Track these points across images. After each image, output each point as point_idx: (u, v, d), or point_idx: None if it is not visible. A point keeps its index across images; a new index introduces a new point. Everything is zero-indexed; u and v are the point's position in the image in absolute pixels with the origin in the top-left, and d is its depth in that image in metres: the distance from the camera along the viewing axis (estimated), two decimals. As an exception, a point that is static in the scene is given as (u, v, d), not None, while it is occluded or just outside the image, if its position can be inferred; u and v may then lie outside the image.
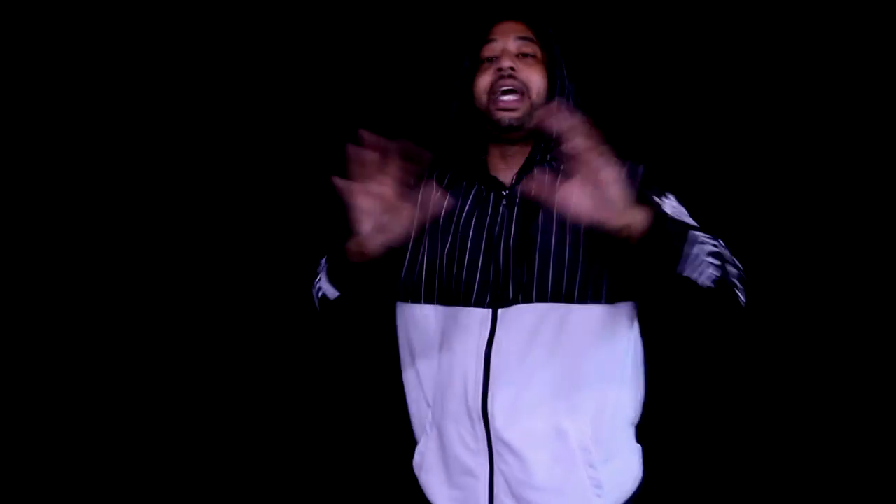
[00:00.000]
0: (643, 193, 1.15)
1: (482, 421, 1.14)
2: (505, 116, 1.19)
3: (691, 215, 1.20)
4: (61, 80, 1.90)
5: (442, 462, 1.19)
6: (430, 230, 1.21)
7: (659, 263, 1.02)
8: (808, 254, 1.83)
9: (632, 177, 1.17)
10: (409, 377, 1.27)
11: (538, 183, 1.18)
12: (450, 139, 1.28)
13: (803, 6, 1.81)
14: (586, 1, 1.83)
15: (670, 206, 1.18)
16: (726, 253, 1.09)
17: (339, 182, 1.02)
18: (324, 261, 1.21)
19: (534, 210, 1.18)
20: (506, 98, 1.18)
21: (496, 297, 1.15)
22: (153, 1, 1.90)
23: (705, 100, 1.85)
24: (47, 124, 1.91)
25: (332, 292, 1.16)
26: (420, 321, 1.21)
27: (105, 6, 1.89)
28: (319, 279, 1.20)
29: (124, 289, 1.95)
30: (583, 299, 1.14)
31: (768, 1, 1.83)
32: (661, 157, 1.29)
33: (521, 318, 1.14)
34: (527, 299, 1.14)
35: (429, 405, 1.22)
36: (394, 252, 1.08)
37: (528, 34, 1.24)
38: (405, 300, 1.23)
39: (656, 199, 1.16)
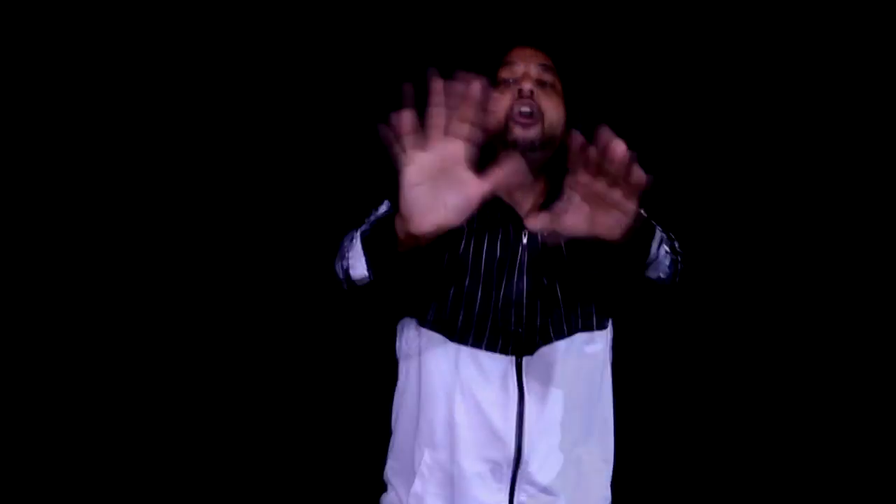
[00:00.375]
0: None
1: (512, 466, 1.15)
2: (521, 134, 1.17)
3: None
4: (61, 80, 1.89)
5: (448, 501, 1.19)
6: (453, 258, 1.19)
7: (630, 264, 1.07)
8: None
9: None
10: (408, 416, 1.24)
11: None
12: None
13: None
14: (603, 36, 1.83)
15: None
16: (672, 244, 1.15)
17: (391, 133, 0.88)
18: (356, 236, 1.10)
19: (555, 251, 1.18)
20: (523, 118, 1.18)
21: (520, 345, 1.16)
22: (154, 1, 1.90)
23: (720, 126, 1.87)
24: (47, 124, 1.90)
25: (362, 273, 1.08)
26: (434, 356, 1.19)
27: (105, 6, 1.89)
28: (348, 255, 1.09)
29: (124, 288, 1.95)
30: (600, 326, 1.21)
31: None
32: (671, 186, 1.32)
33: (547, 359, 1.16)
34: (556, 336, 1.17)
35: (434, 447, 1.19)
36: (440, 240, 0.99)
37: (548, 63, 1.23)
38: (421, 324, 1.20)
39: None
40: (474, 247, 1.19)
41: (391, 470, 1.28)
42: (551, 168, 1.23)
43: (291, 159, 1.94)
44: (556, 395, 1.15)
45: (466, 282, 1.17)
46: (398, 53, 1.86)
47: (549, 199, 1.19)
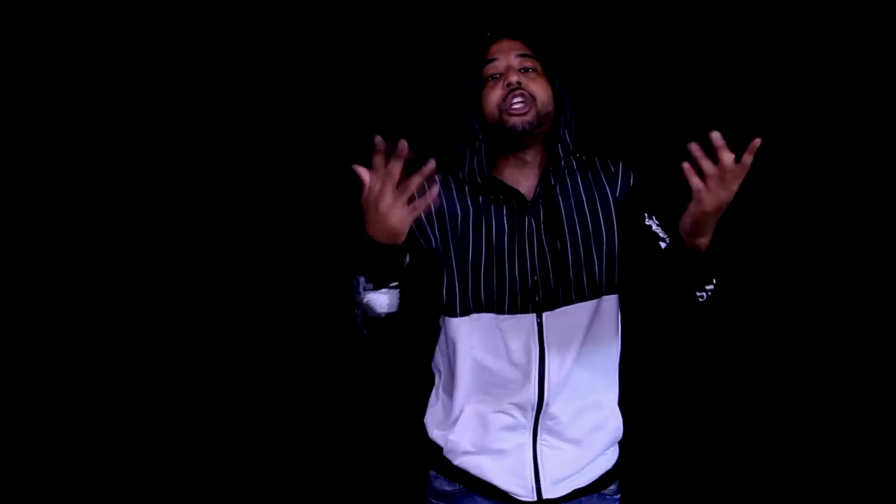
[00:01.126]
0: (636, 207, 1.31)
1: (535, 409, 1.28)
2: (518, 121, 1.26)
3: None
4: (61, 80, 1.89)
5: (479, 446, 1.31)
6: (455, 242, 1.30)
7: (691, 282, 1.18)
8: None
9: (625, 182, 1.34)
10: (447, 377, 1.36)
11: (558, 192, 1.31)
12: (459, 159, 1.34)
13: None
14: (574, 16, 1.89)
15: (655, 227, 1.31)
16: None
17: (358, 168, 1.07)
18: (360, 281, 1.19)
19: (558, 219, 1.30)
20: (516, 106, 1.26)
21: (538, 304, 1.28)
22: (155, 1, 1.90)
23: (695, 105, 1.88)
24: (47, 124, 1.90)
25: (380, 302, 1.17)
26: (460, 331, 1.30)
27: (105, 6, 1.89)
28: (360, 296, 1.19)
29: (129, 291, 1.95)
30: (609, 291, 1.30)
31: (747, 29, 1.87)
32: (650, 161, 1.37)
33: (565, 318, 1.28)
34: (567, 301, 1.28)
35: (469, 401, 1.32)
36: (422, 251, 1.23)
37: (527, 50, 1.32)
38: (448, 315, 1.31)
39: (647, 222, 1.31)
40: (484, 225, 1.30)
41: (431, 421, 1.40)
42: (547, 141, 1.32)
43: (287, 160, 1.94)
44: (575, 348, 1.28)
45: (482, 259, 1.29)
46: (380, 55, 1.91)
47: (546, 176, 1.30)
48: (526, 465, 1.29)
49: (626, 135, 1.85)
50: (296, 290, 1.96)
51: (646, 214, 1.31)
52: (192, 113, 1.92)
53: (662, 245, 1.26)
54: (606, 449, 1.35)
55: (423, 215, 1.28)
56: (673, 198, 1.29)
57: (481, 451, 1.31)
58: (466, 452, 1.32)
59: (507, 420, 1.29)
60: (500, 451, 1.30)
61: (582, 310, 1.28)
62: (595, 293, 1.29)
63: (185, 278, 1.95)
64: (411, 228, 1.23)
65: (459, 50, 1.38)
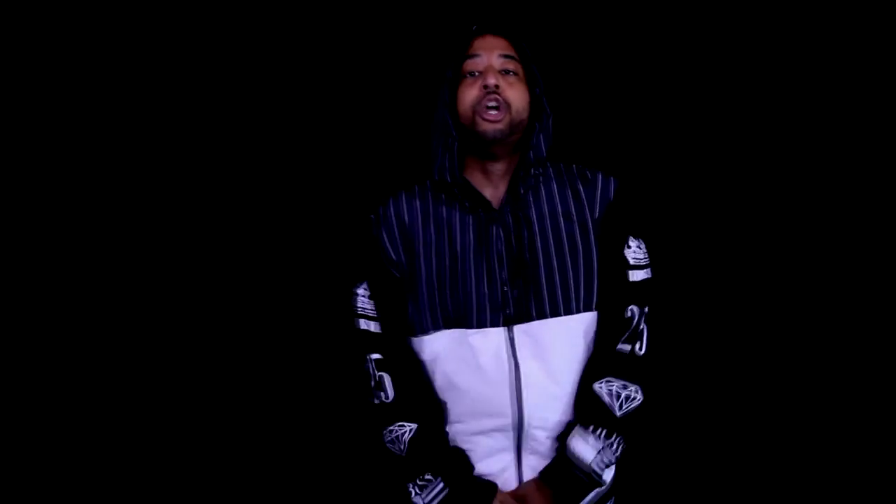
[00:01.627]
0: (617, 225, 1.25)
1: (516, 430, 1.20)
2: (490, 128, 1.22)
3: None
4: (61, 80, 1.90)
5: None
6: (420, 258, 1.25)
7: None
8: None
9: (604, 194, 1.26)
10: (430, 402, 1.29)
11: (527, 201, 1.25)
12: (432, 154, 1.30)
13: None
14: (564, 19, 1.85)
15: (633, 256, 1.25)
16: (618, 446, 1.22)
17: None
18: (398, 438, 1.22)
19: (529, 228, 1.23)
20: (490, 112, 1.22)
21: (509, 318, 1.21)
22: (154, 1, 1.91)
23: (683, 111, 1.86)
24: (48, 124, 1.91)
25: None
26: (429, 350, 1.24)
27: (105, 6, 1.89)
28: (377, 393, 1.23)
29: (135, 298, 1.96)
30: (587, 307, 1.23)
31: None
32: (634, 169, 1.34)
33: (540, 333, 1.20)
34: (541, 315, 1.21)
35: (448, 424, 1.25)
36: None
37: (511, 52, 1.27)
38: (416, 334, 1.25)
39: (624, 252, 1.25)
40: (447, 237, 1.24)
41: None
42: (515, 149, 1.28)
43: (280, 161, 1.94)
44: (553, 365, 1.20)
45: (446, 271, 1.23)
46: (363, 47, 1.86)
47: (514, 184, 1.25)
48: (511, 488, 1.21)
49: (613, 142, 1.80)
50: (302, 305, 1.95)
51: (629, 237, 1.26)
52: (177, 115, 1.93)
53: (633, 274, 1.22)
54: None
55: (388, 246, 1.26)
56: (658, 210, 1.28)
57: None
58: None
59: (488, 442, 1.21)
60: (485, 475, 1.22)
61: (557, 325, 1.20)
62: (570, 309, 1.21)
63: (188, 285, 1.95)
64: (383, 263, 1.24)
65: (442, 39, 1.34)
